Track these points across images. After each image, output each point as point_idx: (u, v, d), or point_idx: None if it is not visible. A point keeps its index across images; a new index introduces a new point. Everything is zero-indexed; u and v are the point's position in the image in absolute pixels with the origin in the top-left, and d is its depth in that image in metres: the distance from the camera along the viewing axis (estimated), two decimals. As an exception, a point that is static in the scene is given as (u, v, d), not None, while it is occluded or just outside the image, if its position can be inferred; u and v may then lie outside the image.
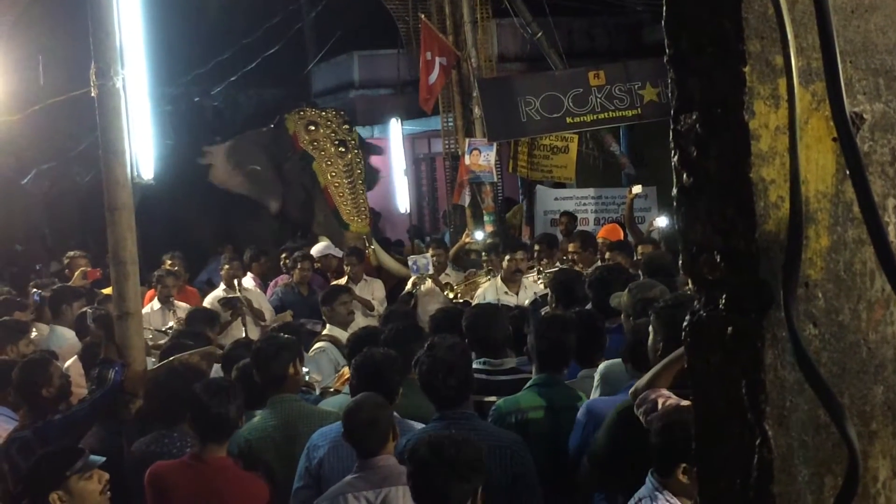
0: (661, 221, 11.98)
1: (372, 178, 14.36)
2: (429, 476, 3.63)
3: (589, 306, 6.34)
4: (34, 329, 8.00)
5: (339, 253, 11.73)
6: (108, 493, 4.44)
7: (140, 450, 5.21)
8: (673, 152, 1.87)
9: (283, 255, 11.73)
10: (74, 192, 15.52)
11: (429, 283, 10.11)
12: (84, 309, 8.02)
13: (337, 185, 13.36)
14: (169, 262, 11.03)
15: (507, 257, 9.11)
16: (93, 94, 6.23)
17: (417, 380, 4.74)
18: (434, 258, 10.27)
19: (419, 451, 3.68)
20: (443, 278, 10.33)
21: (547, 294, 7.76)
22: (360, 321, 8.70)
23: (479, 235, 12.64)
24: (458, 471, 3.59)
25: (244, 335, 8.71)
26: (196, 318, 7.90)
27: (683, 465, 3.54)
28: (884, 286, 1.79)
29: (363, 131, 18.81)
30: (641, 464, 3.71)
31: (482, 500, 3.67)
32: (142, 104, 9.05)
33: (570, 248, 9.82)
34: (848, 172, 1.71)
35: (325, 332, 7.71)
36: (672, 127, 1.87)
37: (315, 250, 11.92)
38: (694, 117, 1.82)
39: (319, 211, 13.57)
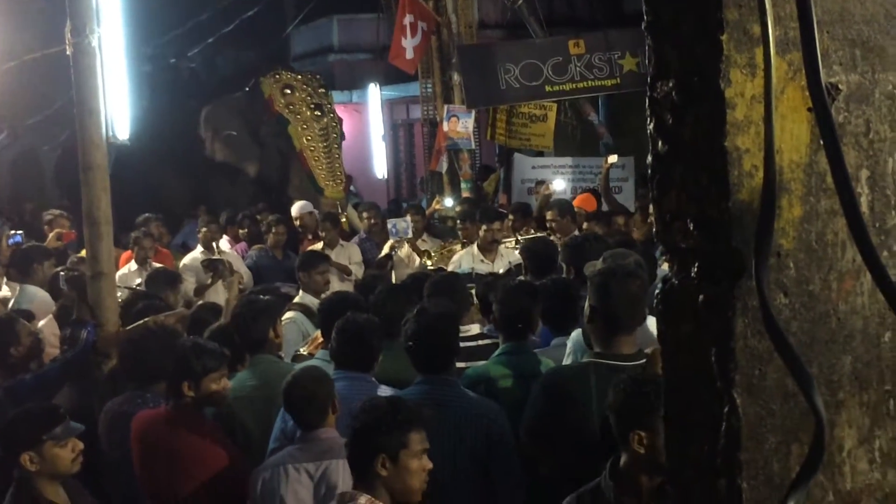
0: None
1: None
2: (351, 426, 3.64)
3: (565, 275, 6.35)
4: (4, 286, 7.96)
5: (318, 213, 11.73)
6: (81, 460, 4.43)
7: (113, 409, 5.20)
8: (649, 120, 1.87)
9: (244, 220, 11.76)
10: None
11: (406, 247, 10.10)
12: (57, 270, 7.98)
13: (312, 149, 13.32)
14: (152, 225, 10.96)
15: (485, 227, 9.09)
16: (68, 53, 6.18)
17: (403, 343, 4.72)
18: (412, 224, 10.27)
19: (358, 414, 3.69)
20: (420, 244, 10.31)
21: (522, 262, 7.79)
22: (336, 286, 8.69)
23: (448, 202, 12.63)
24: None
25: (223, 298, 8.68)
26: (158, 279, 7.87)
27: (639, 432, 3.41)
28: (855, 257, 1.80)
29: (341, 96, 18.75)
30: (571, 436, 3.67)
31: (388, 462, 3.60)
32: (118, 64, 9.00)
33: (548, 216, 9.81)
34: (822, 143, 1.71)
35: (297, 299, 7.68)
36: (648, 94, 1.87)
37: (295, 209, 11.93)
38: (670, 85, 1.81)
39: (295, 175, 13.53)
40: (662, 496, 3.39)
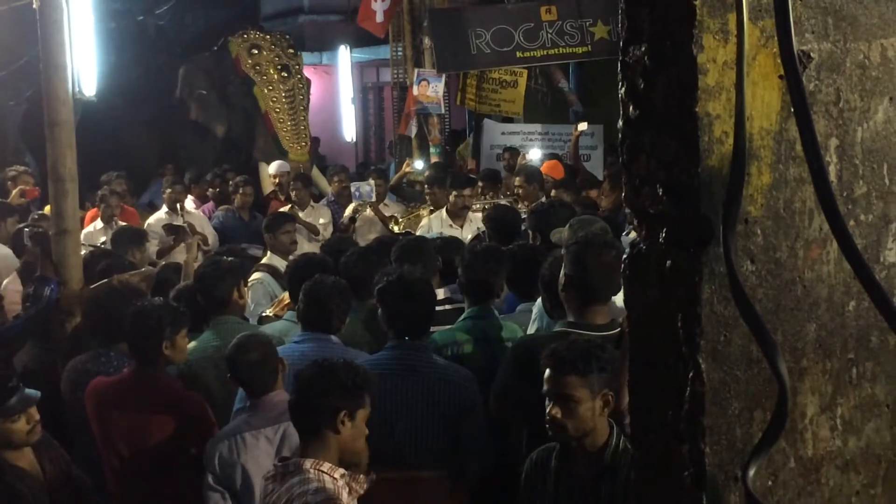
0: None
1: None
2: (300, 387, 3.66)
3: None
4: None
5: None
6: (38, 429, 4.32)
7: (76, 367, 5.17)
8: (620, 84, 1.86)
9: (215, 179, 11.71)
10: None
11: (368, 211, 10.08)
12: (21, 226, 7.90)
13: (277, 110, 13.22)
14: (115, 182, 10.86)
15: (455, 193, 9.06)
16: (34, 6, 6.10)
17: (379, 307, 4.70)
18: (375, 188, 10.25)
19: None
20: (382, 209, 10.30)
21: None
22: (305, 247, 8.65)
23: (418, 165, 12.61)
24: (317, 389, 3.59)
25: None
26: (123, 237, 7.82)
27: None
28: (822, 225, 1.81)
29: (311, 57, 18.60)
30: (540, 404, 3.71)
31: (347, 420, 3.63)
32: (85, 19, 8.86)
33: (515, 182, 9.79)
34: (792, 110, 1.71)
35: (264, 260, 7.65)
36: (620, 59, 1.86)
37: (273, 167, 11.92)
38: (643, 49, 1.81)
39: (260, 136, 13.44)
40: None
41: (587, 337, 3.94)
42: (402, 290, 4.60)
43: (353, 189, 10.23)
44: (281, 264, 7.20)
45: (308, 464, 3.48)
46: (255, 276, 6.94)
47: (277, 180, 11.68)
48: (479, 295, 5.10)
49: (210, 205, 11.42)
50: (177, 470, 4.60)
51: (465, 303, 5.21)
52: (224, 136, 13.79)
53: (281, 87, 13.31)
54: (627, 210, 1.90)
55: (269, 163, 12.60)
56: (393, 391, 4.41)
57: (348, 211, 10.20)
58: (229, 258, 5.94)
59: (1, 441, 4.21)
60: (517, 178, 9.80)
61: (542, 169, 10.64)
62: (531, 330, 5.01)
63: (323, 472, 3.47)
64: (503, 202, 9.13)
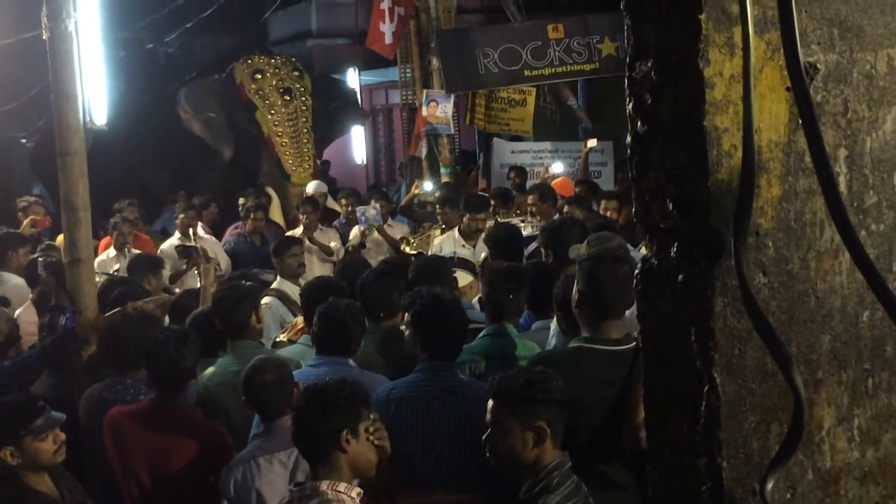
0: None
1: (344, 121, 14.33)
2: (297, 417, 3.64)
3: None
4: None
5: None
6: (64, 450, 4.39)
7: (93, 396, 5.18)
8: (627, 100, 1.87)
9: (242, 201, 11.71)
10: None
11: (375, 234, 10.09)
12: (34, 256, 7.93)
13: (279, 134, 13.23)
14: (126, 210, 10.89)
15: (468, 216, 9.04)
16: (44, 38, 6.13)
17: (411, 328, 4.68)
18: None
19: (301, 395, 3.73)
20: (386, 229, 10.31)
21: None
22: (317, 269, 8.65)
23: (427, 186, 12.62)
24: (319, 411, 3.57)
25: (199, 284, 8.65)
26: (140, 263, 7.83)
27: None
28: (833, 236, 1.81)
29: (320, 81, 18.64)
30: None
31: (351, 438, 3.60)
32: (94, 48, 8.90)
33: (529, 200, 9.79)
34: (800, 122, 1.71)
35: (274, 284, 7.65)
36: (627, 74, 1.86)
37: (310, 188, 11.99)
38: (649, 65, 1.81)
39: (265, 160, 13.47)
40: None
41: (603, 351, 3.94)
42: (440, 312, 4.58)
43: (358, 213, 10.23)
44: (290, 288, 7.19)
45: (325, 485, 3.47)
46: (264, 301, 6.94)
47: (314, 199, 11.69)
48: (498, 313, 5.09)
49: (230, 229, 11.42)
50: (196, 498, 4.59)
51: (485, 320, 5.20)
52: (231, 160, 13.83)
53: (283, 110, 13.32)
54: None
55: (274, 187, 12.62)
56: (431, 414, 4.38)
57: (355, 236, 10.20)
58: (247, 282, 5.94)
59: (28, 460, 4.26)
60: (531, 196, 9.80)
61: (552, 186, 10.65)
62: (549, 347, 5.00)
63: (340, 492, 3.46)
64: (516, 221, 9.14)
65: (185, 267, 9.18)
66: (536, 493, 3.46)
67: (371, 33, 14.14)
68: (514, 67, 13.36)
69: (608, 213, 9.12)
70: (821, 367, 1.84)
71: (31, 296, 7.23)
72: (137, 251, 9.49)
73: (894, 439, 1.93)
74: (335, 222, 11.30)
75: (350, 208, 11.10)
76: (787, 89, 1.76)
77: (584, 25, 13.46)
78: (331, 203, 12.57)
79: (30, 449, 4.27)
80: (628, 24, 1.86)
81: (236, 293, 5.41)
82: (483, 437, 3.59)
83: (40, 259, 7.54)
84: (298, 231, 10.22)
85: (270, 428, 4.37)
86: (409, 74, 15.08)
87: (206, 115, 13.56)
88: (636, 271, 1.90)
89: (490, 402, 3.58)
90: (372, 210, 10.11)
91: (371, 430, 3.63)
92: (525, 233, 8.72)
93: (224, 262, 9.91)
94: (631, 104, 1.85)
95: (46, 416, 4.35)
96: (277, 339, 6.12)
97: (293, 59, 14.23)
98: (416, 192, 12.17)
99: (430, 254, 8.69)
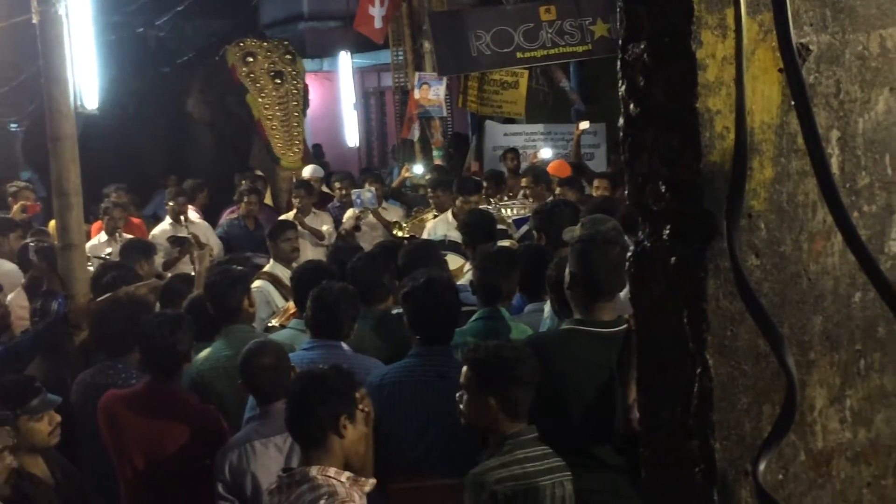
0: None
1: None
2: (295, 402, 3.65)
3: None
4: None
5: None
6: (58, 432, 4.41)
7: (85, 381, 5.17)
8: (620, 82, 1.86)
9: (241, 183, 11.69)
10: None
11: (370, 216, 10.08)
12: (26, 241, 7.91)
13: (269, 117, 13.20)
14: (114, 195, 10.86)
15: (461, 199, 9.03)
16: (34, 21, 6.11)
17: (404, 311, 4.68)
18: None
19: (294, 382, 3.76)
20: (381, 212, 10.31)
21: (504, 228, 7.85)
22: (309, 252, 8.63)
23: (417, 169, 12.61)
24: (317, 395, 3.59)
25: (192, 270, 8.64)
26: (132, 248, 7.82)
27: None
28: (825, 218, 1.81)
29: (312, 64, 18.61)
30: (548, 402, 3.74)
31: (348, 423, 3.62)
32: (85, 32, 8.85)
33: (523, 183, 9.79)
34: (793, 104, 1.71)
35: (267, 268, 7.64)
36: (620, 57, 1.86)
37: (307, 172, 12.01)
38: (642, 47, 1.81)
39: (255, 144, 13.46)
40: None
41: (594, 333, 3.95)
42: (432, 294, 4.56)
43: (353, 196, 10.22)
44: (283, 272, 7.18)
45: (314, 470, 3.47)
46: (255, 284, 6.94)
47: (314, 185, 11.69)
48: (490, 296, 5.09)
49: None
50: (191, 481, 4.60)
51: (478, 303, 5.20)
52: (223, 144, 13.81)
53: (274, 94, 13.29)
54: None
55: (264, 171, 12.60)
56: (427, 398, 4.37)
57: (348, 219, 10.19)
58: (238, 267, 5.93)
59: (24, 441, 4.27)
60: (524, 179, 9.80)
61: (548, 169, 10.64)
62: (543, 329, 5.00)
63: (330, 476, 3.46)
64: (511, 204, 9.14)
65: (177, 254, 9.16)
66: (486, 458, 3.67)
67: (359, 16, 14.12)
68: (506, 49, 13.34)
69: (600, 194, 9.10)
70: (813, 349, 1.84)
71: (22, 281, 7.22)
72: (129, 235, 9.48)
73: (886, 420, 1.94)
74: (329, 205, 11.29)
75: (344, 192, 11.09)
76: (780, 71, 1.75)
77: (577, 7, 13.43)
78: (324, 187, 12.56)
79: (25, 428, 4.29)
80: (621, 6, 1.86)
81: (228, 278, 5.40)
82: (456, 396, 3.76)
83: (32, 244, 7.52)
84: (291, 215, 10.21)
85: (266, 411, 4.36)
86: (401, 57, 15.07)
87: (205, 100, 13.63)
88: (629, 254, 1.90)
89: (464, 367, 3.75)
90: (367, 193, 10.11)
91: (358, 396, 3.63)
92: (519, 214, 8.74)
93: (216, 246, 9.88)
94: (623, 86, 1.85)
95: (42, 397, 4.40)
96: (269, 325, 6.11)
97: (285, 42, 14.19)
98: (407, 175, 12.16)
99: (423, 236, 8.68)
